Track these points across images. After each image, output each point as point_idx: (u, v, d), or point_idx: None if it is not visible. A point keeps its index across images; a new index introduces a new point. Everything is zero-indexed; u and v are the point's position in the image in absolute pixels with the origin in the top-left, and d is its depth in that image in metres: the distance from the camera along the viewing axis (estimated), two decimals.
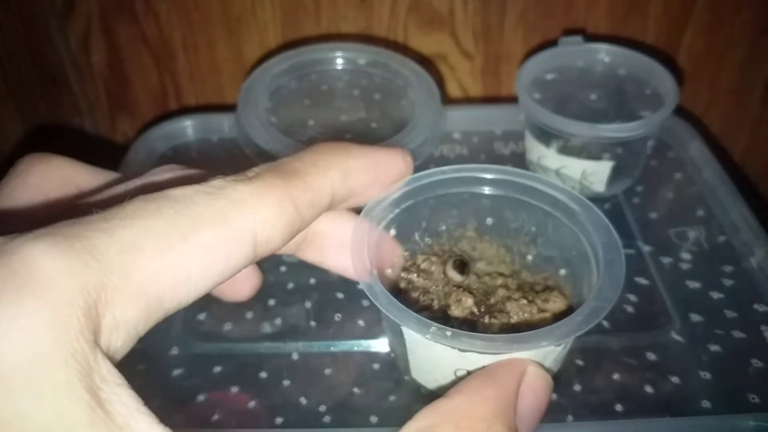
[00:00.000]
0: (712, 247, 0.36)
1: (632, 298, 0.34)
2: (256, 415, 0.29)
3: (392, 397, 0.29)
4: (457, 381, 0.27)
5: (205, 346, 0.32)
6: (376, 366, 0.31)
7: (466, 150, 0.44)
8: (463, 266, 0.32)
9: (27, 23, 0.46)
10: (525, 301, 0.31)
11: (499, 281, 0.32)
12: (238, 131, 0.39)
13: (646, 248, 0.37)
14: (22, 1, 0.45)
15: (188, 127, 0.44)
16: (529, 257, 0.34)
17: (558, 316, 0.30)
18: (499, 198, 0.33)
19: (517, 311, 0.30)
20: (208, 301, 0.34)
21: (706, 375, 0.30)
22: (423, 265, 0.33)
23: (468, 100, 0.51)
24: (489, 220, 0.35)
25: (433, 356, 0.27)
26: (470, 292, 0.31)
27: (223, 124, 0.44)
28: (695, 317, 0.33)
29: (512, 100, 0.42)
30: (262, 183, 0.16)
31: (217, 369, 0.31)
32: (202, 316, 0.33)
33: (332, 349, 0.32)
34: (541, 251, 0.34)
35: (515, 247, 0.34)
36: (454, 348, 0.26)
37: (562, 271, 0.33)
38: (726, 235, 0.36)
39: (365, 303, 0.34)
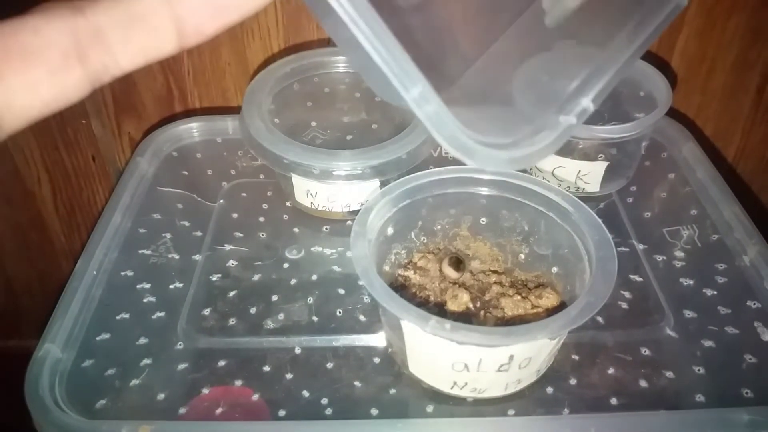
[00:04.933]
0: (706, 245, 0.37)
1: (627, 295, 0.34)
2: (260, 408, 0.29)
3: (393, 391, 0.30)
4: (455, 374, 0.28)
5: (210, 341, 0.32)
6: (377, 360, 0.31)
7: None
8: (458, 263, 0.33)
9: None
10: (519, 297, 0.31)
11: (494, 278, 0.33)
12: (242, 133, 0.39)
13: (640, 246, 0.37)
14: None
15: (193, 129, 0.45)
16: (522, 255, 0.35)
17: (551, 312, 0.30)
18: (494, 198, 0.34)
19: (512, 307, 0.31)
20: (212, 297, 0.35)
21: (700, 370, 0.31)
22: (419, 263, 0.34)
23: None
24: (483, 220, 0.35)
25: (432, 350, 0.28)
26: (466, 289, 0.32)
27: (227, 126, 0.45)
28: (689, 314, 0.33)
29: None
30: None
31: (222, 363, 0.31)
32: (206, 312, 0.34)
33: (334, 343, 0.32)
34: (534, 249, 0.34)
35: (508, 246, 0.35)
36: (452, 341, 0.26)
37: (555, 269, 0.33)
38: (719, 233, 0.37)
39: (366, 299, 0.34)
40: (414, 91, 0.16)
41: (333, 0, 0.15)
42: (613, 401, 0.30)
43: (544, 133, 0.19)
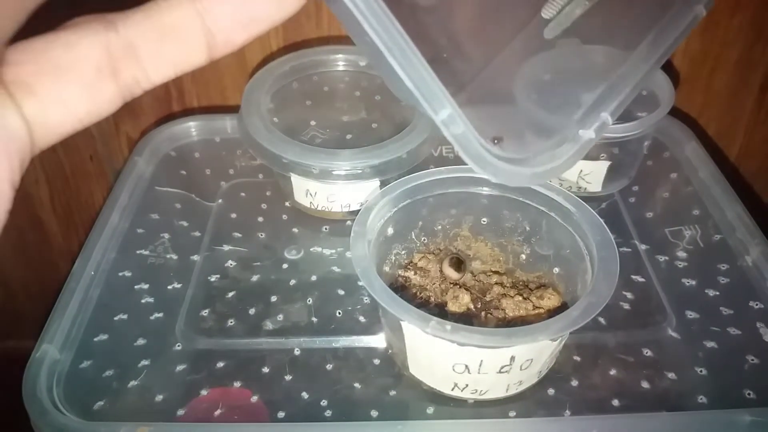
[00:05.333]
0: (708, 245, 0.37)
1: (629, 295, 0.34)
2: (259, 409, 0.29)
3: (392, 392, 0.30)
4: (455, 375, 0.28)
5: (209, 342, 0.32)
6: (377, 361, 0.31)
7: None
8: (459, 264, 0.32)
9: (31, 24, 0.47)
10: (520, 298, 0.31)
11: (495, 279, 0.33)
12: (241, 132, 0.39)
13: (642, 247, 0.37)
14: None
15: (191, 128, 0.44)
16: (523, 256, 0.35)
17: (552, 313, 0.30)
18: (495, 198, 0.34)
19: (513, 308, 0.31)
20: (211, 298, 0.34)
21: (702, 371, 0.31)
22: (420, 263, 0.33)
23: None
24: (484, 220, 0.35)
25: (432, 351, 0.28)
26: (467, 289, 0.32)
27: (225, 126, 0.45)
28: (691, 314, 0.33)
29: None
30: None
31: (220, 364, 0.31)
32: (205, 312, 0.34)
33: (333, 344, 0.32)
34: (535, 250, 0.34)
35: (509, 246, 0.35)
36: (453, 342, 0.26)
37: (556, 269, 0.33)
38: (721, 233, 0.37)
39: (366, 299, 0.34)
40: (443, 113, 0.17)
41: (369, 29, 0.16)
42: (615, 403, 0.29)
43: (565, 147, 0.20)
